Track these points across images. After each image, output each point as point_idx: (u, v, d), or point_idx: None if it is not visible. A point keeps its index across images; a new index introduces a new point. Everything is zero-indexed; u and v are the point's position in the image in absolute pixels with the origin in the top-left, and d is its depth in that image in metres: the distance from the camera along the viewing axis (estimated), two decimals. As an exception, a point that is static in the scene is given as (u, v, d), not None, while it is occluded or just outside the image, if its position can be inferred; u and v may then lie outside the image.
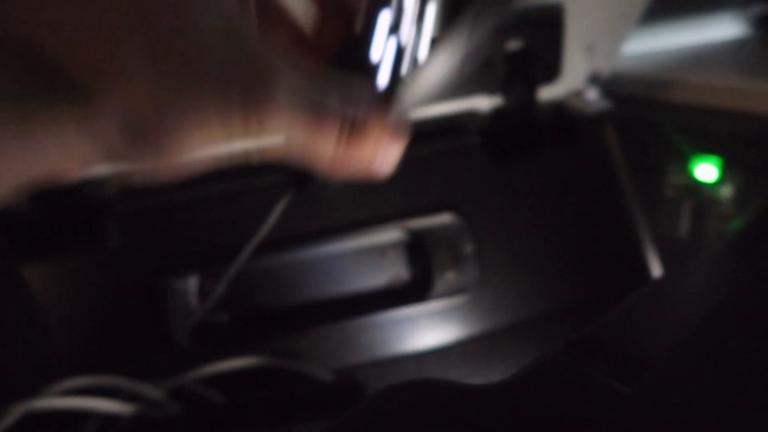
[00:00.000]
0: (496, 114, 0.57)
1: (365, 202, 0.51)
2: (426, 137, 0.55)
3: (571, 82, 0.58)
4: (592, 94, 0.56)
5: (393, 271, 0.51)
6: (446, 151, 0.53)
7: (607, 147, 0.55)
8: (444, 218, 0.51)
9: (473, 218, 0.52)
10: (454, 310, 0.50)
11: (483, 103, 0.57)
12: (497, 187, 0.53)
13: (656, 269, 0.52)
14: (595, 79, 0.58)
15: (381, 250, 0.51)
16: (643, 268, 0.53)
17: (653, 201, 0.53)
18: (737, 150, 0.47)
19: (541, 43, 0.54)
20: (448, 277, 0.50)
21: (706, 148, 0.49)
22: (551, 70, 0.55)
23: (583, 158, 0.54)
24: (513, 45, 0.53)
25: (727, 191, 0.48)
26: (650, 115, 0.54)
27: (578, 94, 0.58)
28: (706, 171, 0.49)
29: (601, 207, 0.54)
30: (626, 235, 0.53)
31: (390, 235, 0.51)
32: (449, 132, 0.56)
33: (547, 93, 0.58)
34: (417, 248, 0.51)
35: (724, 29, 0.69)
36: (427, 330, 0.50)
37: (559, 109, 0.59)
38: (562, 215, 0.53)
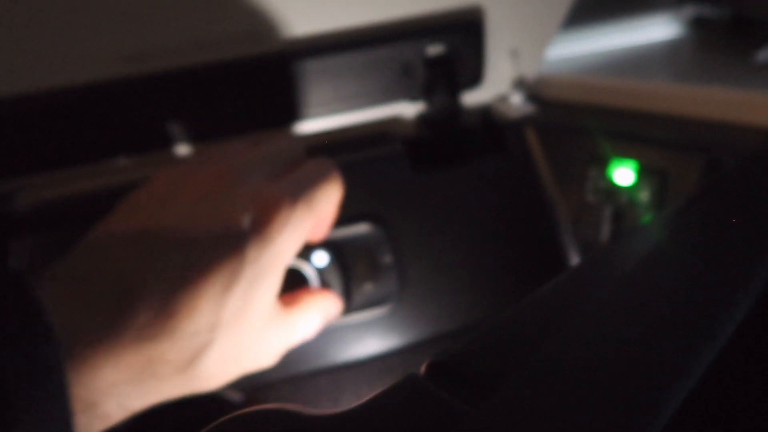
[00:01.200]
0: (420, 121, 0.56)
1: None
2: (347, 146, 0.53)
3: (496, 86, 0.57)
4: (517, 99, 0.55)
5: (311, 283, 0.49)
6: (368, 160, 0.52)
7: (531, 152, 0.54)
8: (361, 228, 0.50)
9: (393, 228, 0.50)
10: (373, 323, 0.49)
11: (406, 110, 0.56)
12: (420, 196, 0.52)
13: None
14: (520, 84, 0.57)
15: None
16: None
17: (576, 206, 0.51)
18: (652, 153, 0.46)
19: (461, 48, 0.53)
20: (366, 289, 0.49)
21: (624, 152, 0.48)
22: (474, 75, 0.54)
23: (507, 164, 0.53)
24: (433, 50, 0.52)
25: (643, 195, 0.47)
26: (573, 119, 0.53)
27: (503, 98, 0.57)
28: (624, 175, 0.48)
29: (524, 214, 0.53)
30: (550, 243, 0.52)
31: (307, 245, 0.50)
32: (371, 140, 0.54)
33: (472, 98, 0.57)
34: (335, 260, 0.49)
35: (657, 31, 0.68)
36: (344, 344, 0.48)
37: (485, 114, 0.58)
38: (485, 224, 0.52)
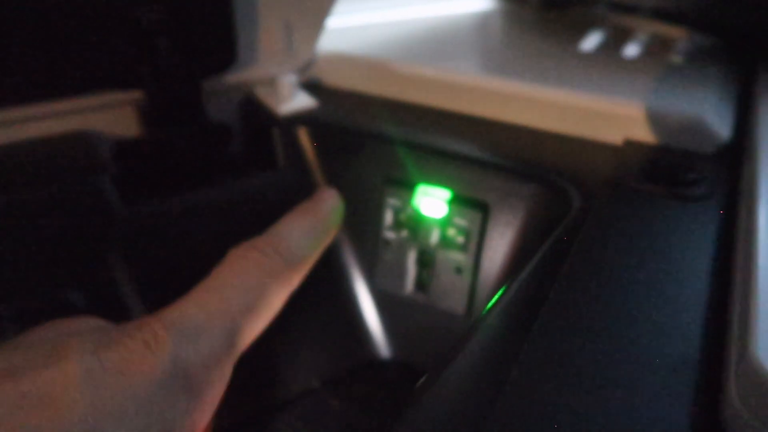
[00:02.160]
0: (139, 120, 0.37)
1: None
2: (20, 176, 0.32)
3: (259, 68, 0.40)
4: (288, 86, 0.39)
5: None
6: (57, 200, 0.32)
7: (306, 166, 0.38)
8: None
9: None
10: None
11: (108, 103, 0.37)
12: (141, 243, 0.33)
13: (381, 340, 0.37)
14: (290, 66, 0.41)
15: None
16: (364, 344, 0.38)
17: (370, 247, 0.37)
18: (471, 176, 0.33)
19: (196, 13, 0.34)
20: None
21: (434, 173, 0.34)
22: (221, 53, 0.36)
23: (271, 184, 0.37)
24: (151, 15, 0.33)
25: (458, 232, 0.34)
26: (364, 119, 0.38)
27: (269, 85, 0.40)
28: (433, 203, 0.34)
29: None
30: (337, 300, 0.37)
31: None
32: (54, 162, 0.34)
33: (222, 85, 0.39)
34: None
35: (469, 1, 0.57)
36: None
37: (244, 108, 0.41)
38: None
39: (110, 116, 0.36)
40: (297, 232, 0.27)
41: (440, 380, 0.21)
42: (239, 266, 0.24)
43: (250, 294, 0.23)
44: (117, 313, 0.33)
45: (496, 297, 0.26)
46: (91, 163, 0.33)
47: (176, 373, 0.20)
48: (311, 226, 0.28)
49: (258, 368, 0.35)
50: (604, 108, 0.34)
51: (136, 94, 0.36)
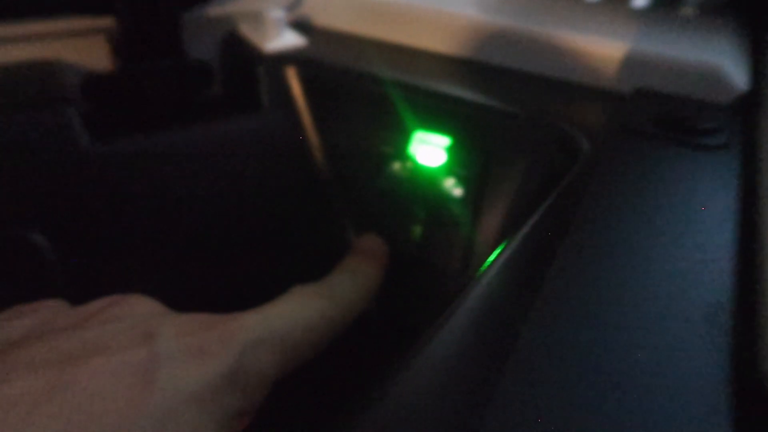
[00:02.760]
0: (113, 49, 0.34)
1: None
2: None
3: (243, 2, 0.37)
4: (274, 23, 0.36)
5: None
6: (21, 132, 0.29)
7: (294, 108, 0.35)
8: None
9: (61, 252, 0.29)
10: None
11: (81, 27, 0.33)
12: (109, 183, 0.30)
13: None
14: (277, 1, 0.38)
15: None
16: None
17: (360, 190, 0.35)
18: (471, 123, 0.31)
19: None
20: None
21: (432, 120, 0.32)
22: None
23: (258, 126, 0.34)
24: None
25: (457, 183, 0.32)
26: (357, 62, 0.35)
27: (255, 20, 0.37)
28: (430, 151, 0.32)
29: (285, 209, 0.35)
30: (323, 242, 0.35)
31: None
32: (22, 92, 0.31)
33: (203, 18, 0.36)
34: None
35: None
36: None
37: (224, 44, 0.38)
38: (232, 226, 0.33)
39: (80, 45, 0.33)
40: (348, 284, 0.29)
41: (431, 345, 0.19)
42: (300, 299, 0.26)
43: (308, 325, 0.25)
44: (81, 257, 0.30)
45: (496, 252, 0.24)
46: (58, 94, 0.30)
47: (239, 373, 0.21)
48: (361, 282, 0.30)
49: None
50: (614, 54, 0.32)
51: (108, 21, 0.33)
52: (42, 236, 0.29)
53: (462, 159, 0.31)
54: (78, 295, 0.24)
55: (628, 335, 0.16)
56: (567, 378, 0.15)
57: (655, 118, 0.28)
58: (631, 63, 0.32)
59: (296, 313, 0.25)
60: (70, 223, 0.29)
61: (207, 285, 0.34)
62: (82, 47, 0.33)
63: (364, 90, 0.34)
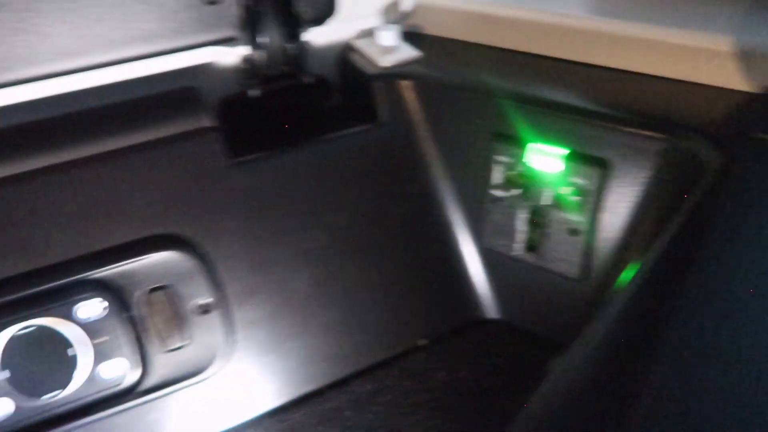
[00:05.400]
0: (238, 77, 0.37)
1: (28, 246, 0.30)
2: (127, 117, 0.33)
3: (358, 19, 0.38)
4: (390, 37, 0.37)
5: (84, 363, 0.30)
6: (157, 145, 0.33)
7: (410, 121, 0.37)
8: (159, 258, 0.31)
9: (210, 253, 0.32)
10: (185, 404, 0.32)
11: (218, 57, 0.36)
12: (247, 196, 0.34)
13: (488, 300, 0.36)
14: (392, 15, 0.39)
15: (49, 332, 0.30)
16: (469, 302, 0.37)
17: (475, 204, 0.36)
18: (591, 132, 0.31)
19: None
20: (171, 357, 0.31)
21: (549, 128, 0.32)
22: (321, 3, 0.35)
23: (374, 140, 0.36)
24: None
25: (573, 190, 0.32)
26: (470, 72, 0.36)
27: (369, 35, 0.39)
28: (547, 161, 0.32)
29: (401, 217, 0.37)
30: (441, 259, 0.37)
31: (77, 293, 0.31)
32: (163, 107, 0.34)
33: (323, 37, 0.38)
34: (116, 308, 0.31)
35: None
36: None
37: (342, 61, 0.40)
38: (345, 233, 0.35)
39: (214, 72, 0.36)
40: None
41: (575, 359, 0.20)
42: None
43: None
44: (224, 250, 0.33)
45: (628, 273, 0.25)
46: (197, 117, 0.34)
47: None
48: None
49: (364, 323, 0.35)
50: (743, 50, 0.31)
51: (238, 50, 0.36)
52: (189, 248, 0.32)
53: (580, 168, 0.31)
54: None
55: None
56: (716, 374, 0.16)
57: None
58: (761, 57, 0.30)
59: None
60: (216, 224, 0.33)
61: (329, 287, 0.37)
62: (216, 74, 0.36)
63: (478, 101, 0.34)
